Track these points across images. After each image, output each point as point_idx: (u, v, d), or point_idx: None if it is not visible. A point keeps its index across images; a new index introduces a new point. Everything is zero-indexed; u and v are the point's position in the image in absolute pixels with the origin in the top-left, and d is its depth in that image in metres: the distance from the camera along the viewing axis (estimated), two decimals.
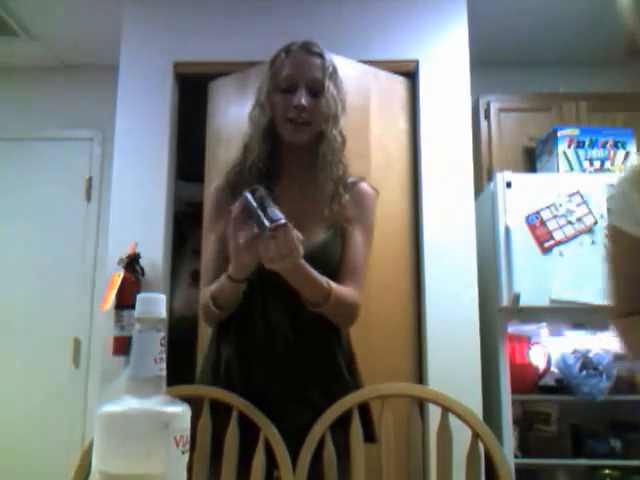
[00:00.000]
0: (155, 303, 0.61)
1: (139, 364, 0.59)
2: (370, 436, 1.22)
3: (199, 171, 2.55)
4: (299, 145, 1.28)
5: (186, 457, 0.59)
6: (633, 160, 1.05)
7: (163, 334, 0.61)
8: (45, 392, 3.05)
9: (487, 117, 2.92)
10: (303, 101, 1.21)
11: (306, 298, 1.17)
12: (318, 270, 1.15)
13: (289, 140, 1.27)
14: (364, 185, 1.34)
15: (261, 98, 1.29)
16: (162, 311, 0.61)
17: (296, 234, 1.03)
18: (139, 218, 2.54)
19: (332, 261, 1.25)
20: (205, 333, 2.36)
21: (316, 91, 1.24)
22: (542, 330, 2.64)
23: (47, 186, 3.27)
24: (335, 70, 1.29)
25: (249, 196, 1.07)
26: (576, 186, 2.47)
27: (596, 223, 2.42)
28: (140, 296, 0.61)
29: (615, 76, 3.17)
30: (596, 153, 2.64)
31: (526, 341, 2.63)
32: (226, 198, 1.26)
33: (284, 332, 1.21)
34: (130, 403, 0.58)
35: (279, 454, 1.09)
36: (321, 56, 1.27)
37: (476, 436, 1.10)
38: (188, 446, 0.59)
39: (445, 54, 2.64)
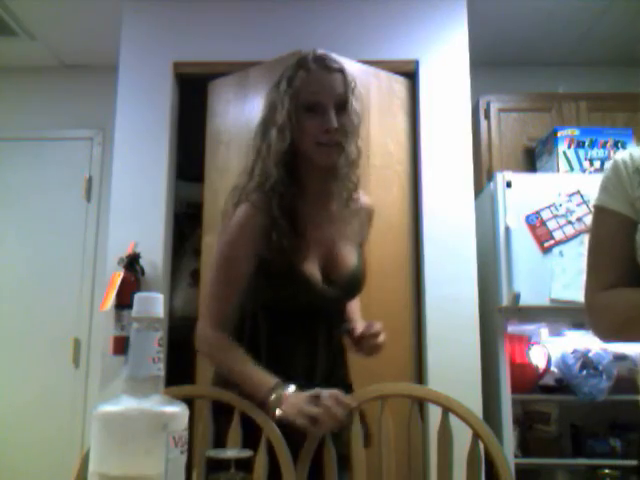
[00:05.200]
0: (153, 302, 0.61)
1: (137, 364, 0.59)
2: (365, 441, 1.22)
3: (199, 171, 2.55)
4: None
5: (184, 457, 0.59)
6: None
7: (161, 333, 0.61)
8: (45, 392, 3.05)
9: (487, 117, 2.92)
10: (335, 124, 1.18)
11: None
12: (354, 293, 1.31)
13: (322, 164, 1.23)
14: (365, 198, 1.39)
15: (278, 120, 1.20)
16: (160, 311, 0.61)
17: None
18: (139, 218, 2.54)
19: (364, 282, 1.32)
20: None
21: (340, 107, 1.21)
22: (542, 330, 2.64)
23: (47, 186, 3.27)
24: (355, 84, 1.26)
25: None
26: (576, 186, 2.46)
27: None
28: (138, 295, 0.61)
29: (615, 76, 3.17)
30: (596, 153, 2.64)
31: (526, 341, 2.62)
32: (255, 227, 1.20)
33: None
34: (128, 403, 0.57)
35: (280, 454, 1.09)
36: (341, 71, 1.24)
37: (476, 436, 1.10)
38: (187, 446, 0.59)
39: (445, 54, 2.64)
